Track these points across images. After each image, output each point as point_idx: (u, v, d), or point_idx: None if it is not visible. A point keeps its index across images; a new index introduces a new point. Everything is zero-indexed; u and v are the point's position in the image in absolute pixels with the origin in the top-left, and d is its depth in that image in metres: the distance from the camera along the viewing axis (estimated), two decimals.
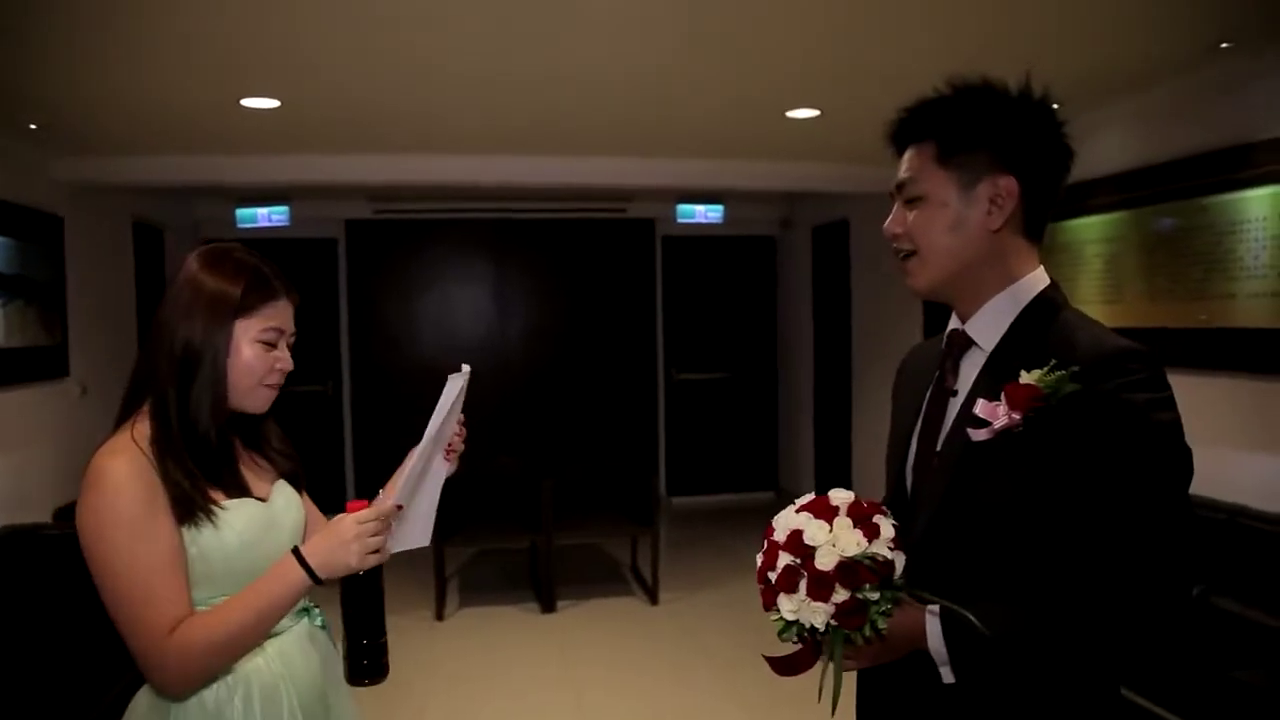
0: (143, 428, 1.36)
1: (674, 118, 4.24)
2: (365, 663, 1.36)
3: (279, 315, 1.45)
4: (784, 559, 1.19)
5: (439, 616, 4.96)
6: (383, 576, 1.36)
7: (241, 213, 6.30)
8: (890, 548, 1.18)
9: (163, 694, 1.34)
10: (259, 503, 1.44)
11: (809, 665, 1.27)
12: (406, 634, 4.73)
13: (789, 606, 1.18)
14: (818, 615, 1.16)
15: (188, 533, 1.33)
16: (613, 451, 6.46)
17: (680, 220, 6.97)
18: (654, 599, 5.14)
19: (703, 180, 5.56)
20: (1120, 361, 1.15)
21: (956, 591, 1.22)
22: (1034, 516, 1.17)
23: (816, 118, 4.17)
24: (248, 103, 3.73)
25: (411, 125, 4.30)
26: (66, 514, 4.40)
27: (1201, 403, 3.35)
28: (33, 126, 4.06)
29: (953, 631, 1.19)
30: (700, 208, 6.90)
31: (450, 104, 3.92)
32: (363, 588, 1.34)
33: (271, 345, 1.44)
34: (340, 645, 1.38)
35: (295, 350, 1.49)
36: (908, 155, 1.32)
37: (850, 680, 1.41)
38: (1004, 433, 1.18)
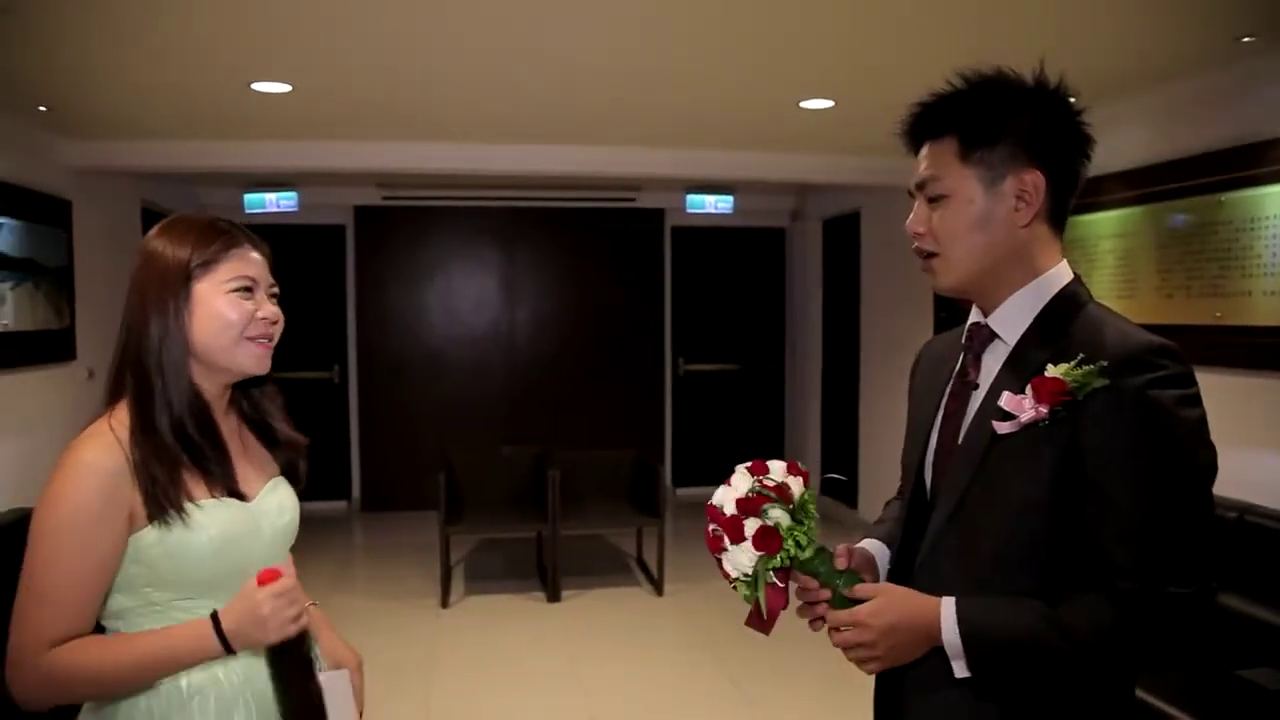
0: (122, 414, 1.31)
1: (685, 107, 4.21)
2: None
3: (246, 264, 1.37)
4: (711, 528, 1.28)
5: (444, 604, 4.96)
6: (308, 638, 1.32)
7: (250, 198, 6.30)
8: (784, 475, 1.26)
9: (16, 698, 1.26)
10: (241, 503, 1.36)
11: (779, 607, 1.29)
12: (411, 621, 4.74)
13: (727, 565, 1.27)
14: (745, 555, 1.24)
15: (156, 530, 1.27)
16: (619, 442, 6.45)
17: (690, 210, 6.95)
18: (659, 590, 5.14)
19: (713, 171, 5.53)
20: (1148, 357, 1.14)
21: (972, 584, 1.22)
22: (1056, 510, 1.16)
23: (830, 108, 4.14)
24: (258, 87, 3.72)
25: (422, 112, 4.29)
26: None
27: (1214, 400, 3.29)
28: (42, 109, 4.05)
29: (968, 623, 1.18)
30: (710, 198, 6.88)
31: (461, 91, 3.90)
32: (288, 654, 1.29)
33: (248, 294, 1.36)
34: (276, 705, 1.31)
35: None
36: (926, 152, 1.29)
37: (864, 677, 1.41)
38: (1028, 426, 1.17)
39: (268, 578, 1.26)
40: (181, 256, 1.33)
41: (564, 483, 5.04)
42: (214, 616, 1.25)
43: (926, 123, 1.29)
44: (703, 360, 7.69)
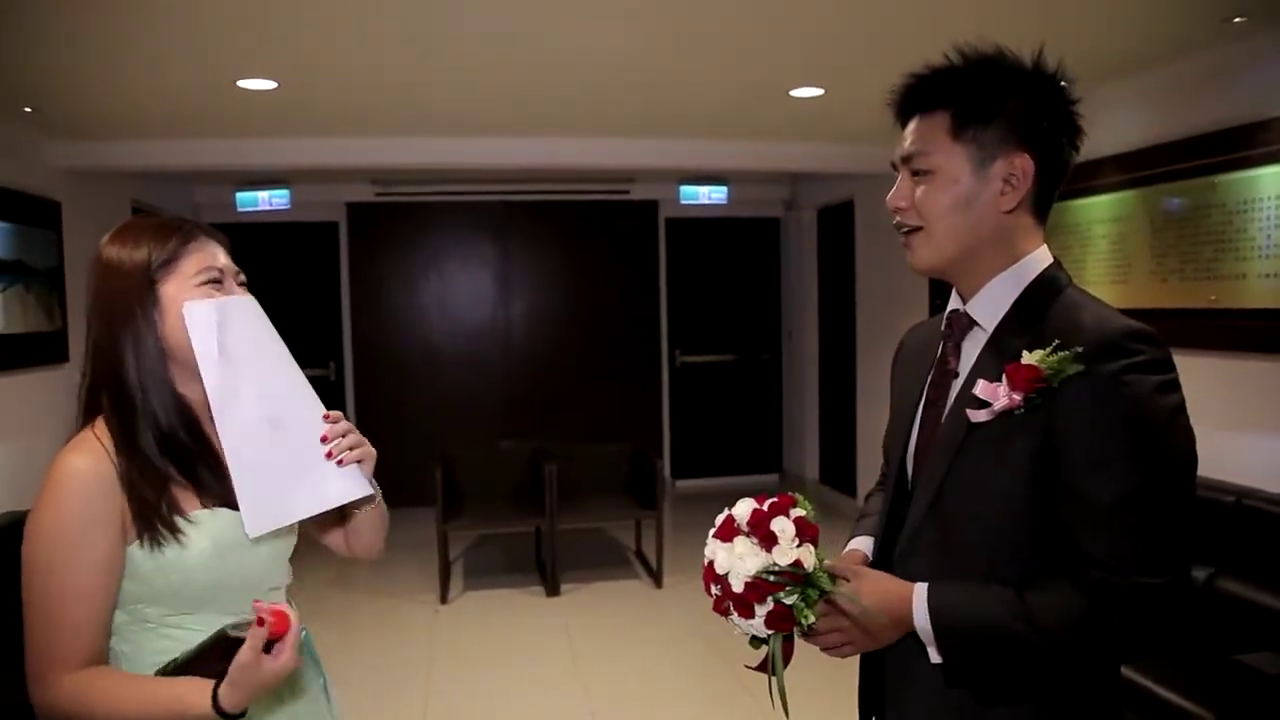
0: (102, 426, 1.26)
1: (676, 98, 4.18)
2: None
3: (209, 255, 1.30)
4: (713, 589, 1.23)
5: (443, 600, 4.96)
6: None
7: (242, 196, 6.27)
8: (794, 545, 1.18)
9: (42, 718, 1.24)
10: (234, 513, 1.28)
11: (790, 654, 1.27)
12: (411, 617, 4.73)
13: (737, 625, 1.23)
14: (756, 628, 1.21)
15: (146, 546, 1.22)
16: (617, 434, 6.45)
17: (684, 202, 6.93)
18: (658, 582, 5.14)
19: (706, 161, 5.51)
20: (1124, 342, 1.11)
21: (950, 574, 1.21)
22: (1033, 500, 1.15)
23: (820, 96, 4.12)
24: (244, 84, 3.69)
25: (412, 107, 4.26)
26: None
27: (1211, 384, 3.32)
28: (28, 110, 4.03)
29: (938, 610, 1.18)
30: (704, 189, 6.85)
31: (451, 85, 3.87)
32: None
33: (218, 285, 1.30)
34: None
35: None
36: (916, 125, 1.26)
37: (853, 669, 1.41)
38: (1004, 414, 1.16)
39: (279, 629, 1.13)
40: (139, 259, 1.28)
41: (562, 476, 5.03)
42: (215, 690, 1.15)
43: (919, 95, 1.26)
44: (699, 352, 7.68)
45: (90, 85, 3.69)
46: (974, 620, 1.16)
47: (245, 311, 1.30)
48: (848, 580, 1.23)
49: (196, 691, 1.15)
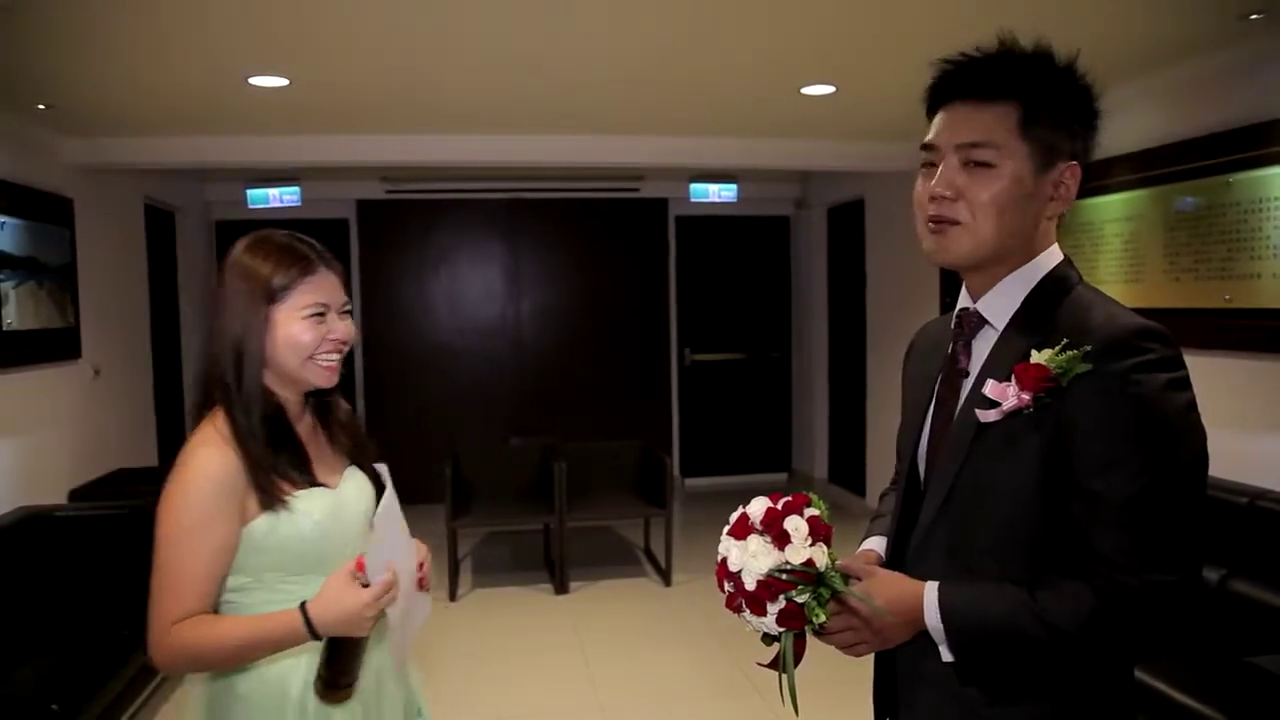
0: (220, 421, 1.45)
1: (686, 95, 4.18)
2: (340, 686, 1.44)
3: (320, 289, 1.48)
4: (726, 586, 1.24)
5: (452, 597, 4.97)
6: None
7: (253, 194, 6.29)
8: (807, 544, 1.19)
9: (158, 668, 1.45)
10: (328, 490, 1.52)
11: (802, 652, 1.27)
12: None
13: (749, 622, 1.24)
14: (768, 625, 1.21)
15: (268, 520, 1.42)
16: (626, 432, 6.45)
17: (694, 200, 6.93)
18: (667, 580, 5.13)
19: (716, 159, 5.49)
20: (1134, 340, 1.10)
21: (963, 573, 1.21)
22: (1044, 499, 1.14)
23: (832, 94, 4.11)
24: (256, 81, 3.70)
25: (422, 104, 4.27)
26: (81, 495, 4.42)
27: (1224, 384, 3.29)
28: (41, 107, 4.04)
29: (949, 609, 1.17)
30: (714, 187, 6.85)
31: (460, 82, 3.87)
32: (353, 640, 1.42)
33: (320, 318, 1.48)
34: (319, 663, 1.43)
35: None
36: (976, 112, 1.18)
37: (867, 668, 1.40)
38: (1014, 413, 1.15)
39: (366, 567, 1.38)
40: (261, 278, 1.46)
41: (571, 474, 5.04)
42: (303, 608, 1.37)
43: (982, 79, 1.19)
44: (709, 350, 7.67)
45: (103, 83, 3.70)
46: (985, 619, 1.16)
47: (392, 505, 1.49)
48: (860, 580, 1.22)
49: (287, 613, 1.39)
